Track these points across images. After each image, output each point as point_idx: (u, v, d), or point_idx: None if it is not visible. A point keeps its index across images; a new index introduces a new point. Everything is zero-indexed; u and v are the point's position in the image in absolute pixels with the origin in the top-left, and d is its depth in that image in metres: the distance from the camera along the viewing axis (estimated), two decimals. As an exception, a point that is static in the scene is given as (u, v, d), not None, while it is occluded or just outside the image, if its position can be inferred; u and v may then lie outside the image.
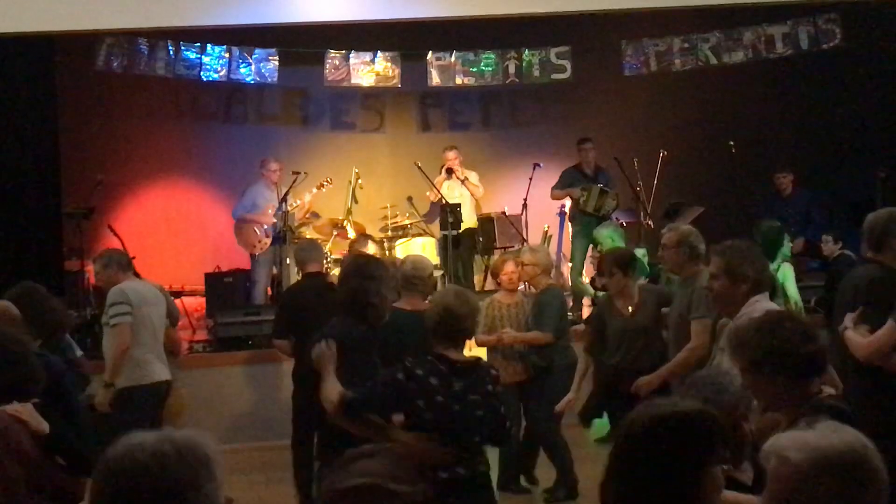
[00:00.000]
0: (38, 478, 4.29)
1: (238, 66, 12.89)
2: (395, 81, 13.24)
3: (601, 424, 9.75)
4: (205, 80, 13.01)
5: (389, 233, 12.55)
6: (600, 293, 9.74)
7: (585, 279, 11.87)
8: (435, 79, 13.33)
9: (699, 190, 13.19)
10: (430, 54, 13.24)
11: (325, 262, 8.56)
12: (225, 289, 12.40)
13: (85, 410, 5.09)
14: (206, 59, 12.80)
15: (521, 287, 8.92)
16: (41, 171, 12.39)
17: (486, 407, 4.69)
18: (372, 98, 14.59)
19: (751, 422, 3.60)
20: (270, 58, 12.92)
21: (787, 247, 9.35)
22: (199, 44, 12.79)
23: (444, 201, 12.32)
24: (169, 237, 13.80)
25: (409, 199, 12.85)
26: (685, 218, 12.23)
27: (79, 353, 8.81)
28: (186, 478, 2.19)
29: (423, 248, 12.07)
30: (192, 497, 2.18)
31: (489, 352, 8.26)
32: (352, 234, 12.37)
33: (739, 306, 4.79)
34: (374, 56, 13.17)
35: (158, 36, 12.52)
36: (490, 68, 13.33)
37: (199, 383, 10.49)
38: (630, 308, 7.30)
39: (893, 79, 13.26)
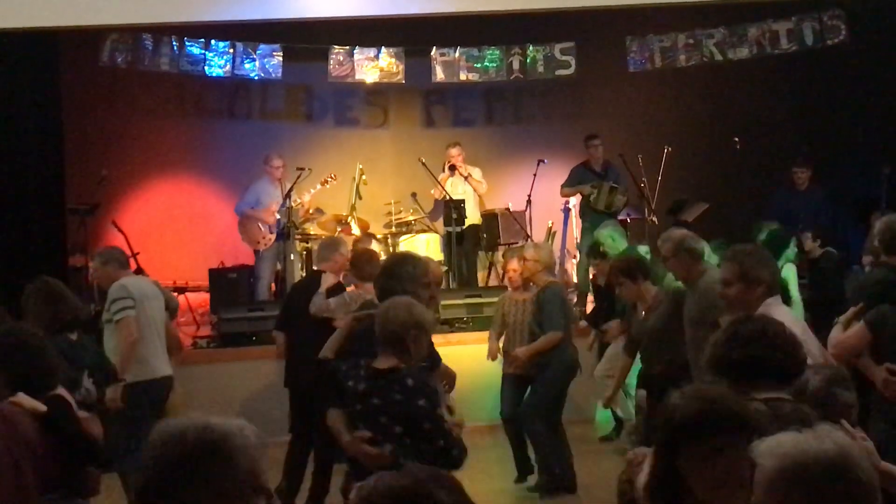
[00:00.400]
0: (46, 468, 4.30)
1: (242, 62, 12.89)
2: (398, 77, 13.22)
3: (604, 421, 9.77)
4: (209, 75, 13.01)
5: (393, 229, 12.54)
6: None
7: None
8: (439, 75, 13.31)
9: (703, 186, 13.19)
10: (434, 50, 13.22)
11: (337, 260, 8.52)
12: (229, 285, 12.40)
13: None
14: (210, 55, 12.80)
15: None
16: (45, 166, 12.38)
17: (390, 415, 4.66)
18: (376, 94, 14.57)
19: None
20: (275, 53, 12.91)
21: (791, 249, 9.35)
22: (203, 39, 12.78)
23: (447, 198, 12.32)
24: (173, 233, 13.79)
25: (414, 195, 12.84)
26: (690, 214, 12.26)
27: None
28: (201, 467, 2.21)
29: (427, 245, 12.07)
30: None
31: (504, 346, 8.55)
32: (356, 230, 12.36)
33: (754, 311, 4.69)
34: (378, 52, 13.14)
35: (163, 31, 12.51)
36: (494, 64, 13.30)
37: (202, 379, 10.50)
38: (643, 312, 7.32)
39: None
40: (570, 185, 12.60)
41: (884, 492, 2.27)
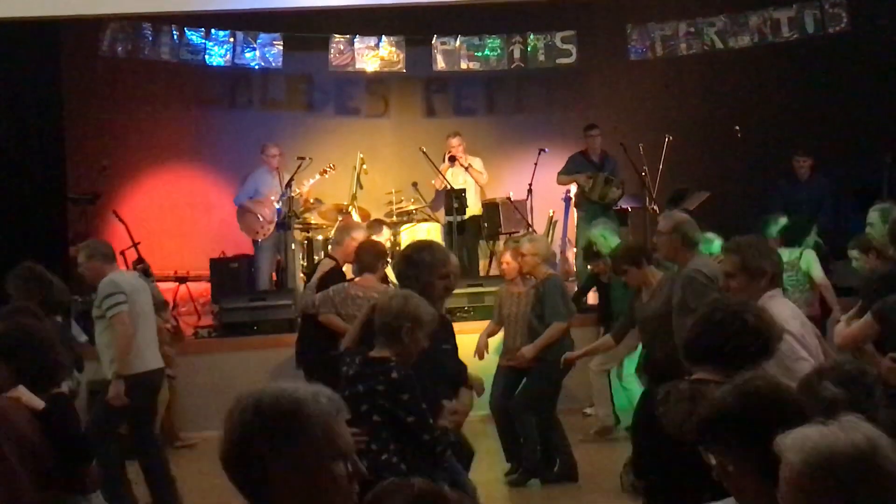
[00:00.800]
0: (42, 464, 4.30)
1: (242, 51, 12.87)
2: (399, 66, 13.20)
3: (622, 407, 9.66)
4: (209, 65, 12.99)
5: (395, 218, 12.53)
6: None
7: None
8: (440, 63, 13.29)
9: (704, 175, 13.17)
10: (434, 39, 13.19)
11: (348, 245, 8.54)
12: (230, 274, 12.40)
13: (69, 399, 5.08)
14: (210, 44, 12.79)
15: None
16: (46, 156, 12.39)
17: (371, 404, 4.67)
18: (377, 83, 14.54)
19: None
20: (275, 43, 12.89)
21: (812, 236, 9.38)
22: (203, 29, 12.77)
23: (448, 187, 12.31)
24: (174, 223, 13.79)
25: (415, 184, 12.83)
26: (690, 203, 12.24)
27: (83, 338, 8.85)
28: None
29: (428, 234, 12.05)
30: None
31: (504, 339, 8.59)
32: (357, 219, 12.34)
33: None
34: (379, 41, 13.13)
35: (163, 21, 12.49)
36: (495, 53, 13.28)
37: (204, 369, 10.53)
38: (648, 297, 7.30)
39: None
40: (567, 174, 12.58)
41: None
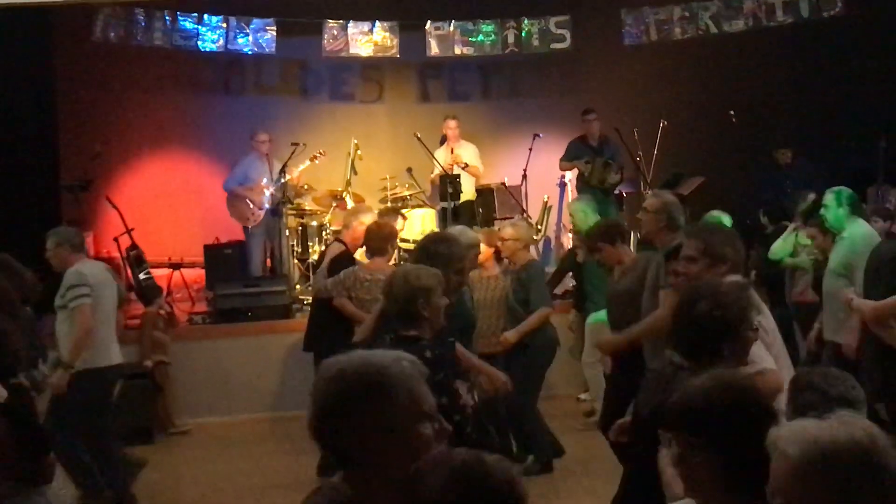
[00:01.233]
0: (2, 455, 4.28)
1: (236, 37, 12.83)
2: (393, 51, 13.17)
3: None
4: (202, 50, 12.95)
5: (389, 204, 12.50)
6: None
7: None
8: (434, 49, 13.26)
9: (699, 160, 13.16)
10: (428, 24, 13.16)
11: (356, 228, 8.56)
12: (224, 260, 12.39)
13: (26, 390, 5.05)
14: (203, 30, 12.74)
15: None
16: (39, 143, 12.35)
17: None
18: (371, 69, 14.51)
19: None
20: (268, 28, 12.85)
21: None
22: (196, 14, 12.73)
23: (443, 172, 12.28)
24: (168, 209, 13.76)
25: (409, 170, 12.79)
26: (685, 188, 12.24)
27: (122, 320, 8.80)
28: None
29: (422, 220, 12.05)
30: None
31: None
32: (351, 205, 12.31)
33: None
34: (373, 26, 13.09)
35: (155, 6, 12.44)
36: (489, 38, 13.25)
37: (198, 355, 10.52)
38: (619, 275, 7.21)
39: (894, 47, 13.18)
40: (567, 160, 12.59)
41: None
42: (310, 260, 12.11)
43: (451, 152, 12.80)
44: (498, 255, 8.54)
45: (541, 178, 13.01)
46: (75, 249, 7.63)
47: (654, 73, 14.13)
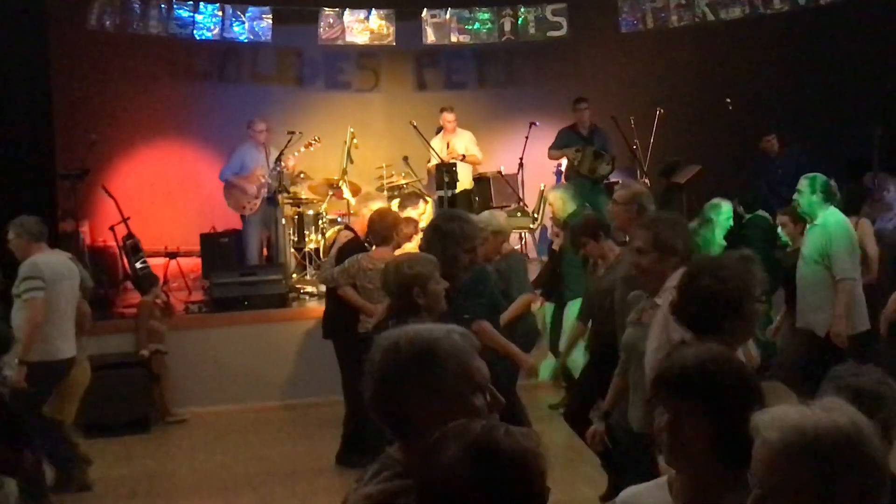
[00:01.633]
0: None
1: (231, 25, 12.80)
2: (389, 39, 13.14)
3: (546, 367, 9.60)
4: (198, 38, 12.91)
5: (385, 192, 12.49)
6: None
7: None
8: (430, 37, 13.24)
9: (696, 148, 13.15)
10: (424, 12, 13.14)
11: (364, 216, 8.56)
12: (220, 249, 12.39)
13: None
14: (198, 18, 12.71)
15: None
16: (35, 132, 12.27)
17: None
18: (367, 57, 14.49)
19: None
20: (264, 16, 12.82)
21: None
22: (191, 2, 12.69)
23: (440, 161, 12.27)
24: (164, 197, 13.75)
25: (405, 158, 12.78)
26: (681, 176, 12.24)
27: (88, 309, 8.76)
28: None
29: (420, 210, 12.01)
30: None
31: None
32: (347, 193, 12.30)
33: (667, 280, 4.62)
34: (369, 14, 13.07)
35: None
36: (485, 26, 13.24)
37: (194, 344, 10.52)
38: (602, 270, 7.19)
39: (891, 35, 13.17)
40: (556, 148, 12.54)
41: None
42: (306, 249, 12.10)
43: (448, 146, 12.77)
44: None
45: (537, 166, 13.00)
46: (34, 239, 7.59)
47: (650, 61, 14.12)
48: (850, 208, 9.11)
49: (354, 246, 8.37)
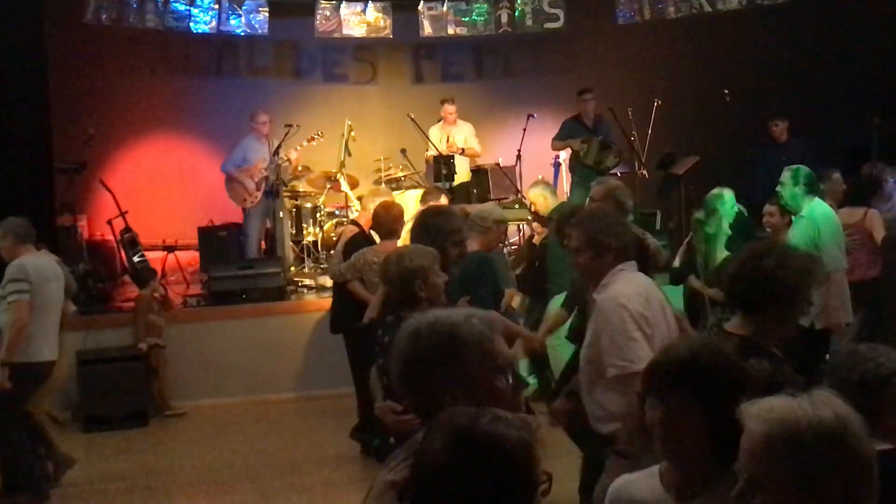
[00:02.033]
0: None
1: (228, 18, 12.76)
2: (386, 32, 13.13)
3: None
4: (195, 32, 12.89)
5: (383, 185, 12.47)
6: None
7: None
8: (427, 29, 13.22)
9: (694, 139, 13.11)
10: (421, 4, 13.12)
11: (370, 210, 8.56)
12: (218, 243, 12.37)
13: None
14: (195, 11, 12.68)
15: None
16: (32, 126, 12.26)
17: None
18: (364, 50, 14.46)
19: None
20: (260, 9, 12.78)
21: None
22: (188, -5, 12.67)
23: (438, 153, 12.26)
24: (162, 191, 13.73)
25: (403, 151, 12.77)
26: (679, 167, 12.23)
27: (72, 308, 8.78)
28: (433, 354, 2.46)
29: (417, 201, 12.00)
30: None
31: None
32: (345, 186, 12.29)
33: (605, 276, 4.65)
34: (366, 6, 13.05)
35: (147, -13, 12.38)
36: (482, 18, 13.21)
37: (192, 338, 10.51)
38: None
39: (889, 25, 13.16)
40: (561, 139, 12.53)
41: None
42: (304, 242, 12.10)
43: (448, 139, 12.76)
44: None
45: (535, 158, 12.98)
46: (20, 240, 7.56)
47: (647, 53, 14.11)
48: (857, 199, 9.11)
49: (360, 240, 8.38)
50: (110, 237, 12.13)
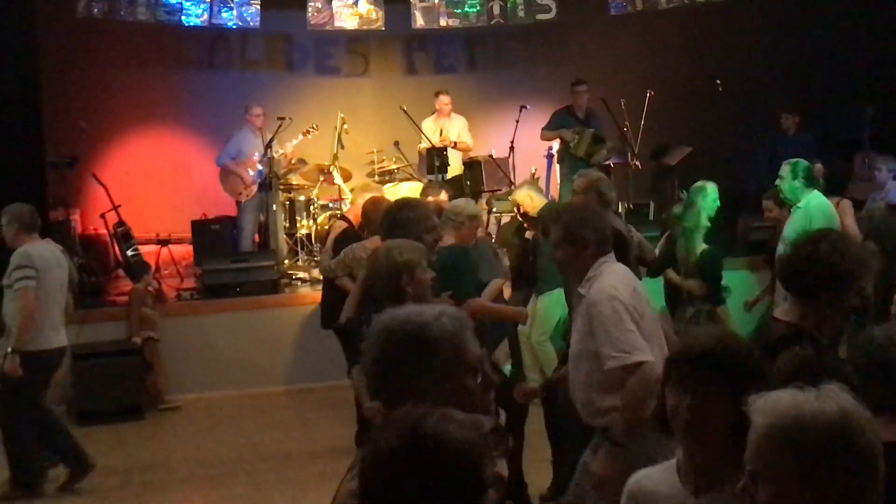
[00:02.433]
0: None
1: (219, 11, 12.75)
2: (378, 24, 13.11)
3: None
4: (186, 25, 12.87)
5: (376, 178, 12.48)
6: None
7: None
8: (419, 21, 13.21)
9: (686, 129, 13.13)
10: (413, -5, 13.11)
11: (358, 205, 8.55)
12: (212, 236, 12.36)
13: None
14: (186, 4, 12.67)
15: None
16: (24, 120, 12.23)
17: None
18: (357, 42, 14.44)
19: None
20: (252, 2, 12.77)
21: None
22: (179, -12, 12.64)
23: (431, 145, 12.24)
24: (154, 185, 13.71)
25: (396, 143, 12.76)
26: (672, 158, 12.23)
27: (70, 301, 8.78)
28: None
29: (410, 194, 12.00)
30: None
31: None
32: (338, 179, 12.28)
33: (587, 271, 4.64)
34: (357, -2, 13.04)
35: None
36: (474, 10, 13.21)
37: (186, 331, 10.51)
38: None
39: (881, 14, 13.16)
40: (551, 129, 12.50)
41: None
42: (298, 234, 12.09)
43: (441, 132, 12.74)
44: None
45: (528, 149, 12.97)
46: (24, 229, 7.56)
47: (640, 43, 14.09)
48: (833, 188, 9.20)
49: (349, 236, 8.37)
50: (103, 231, 12.12)
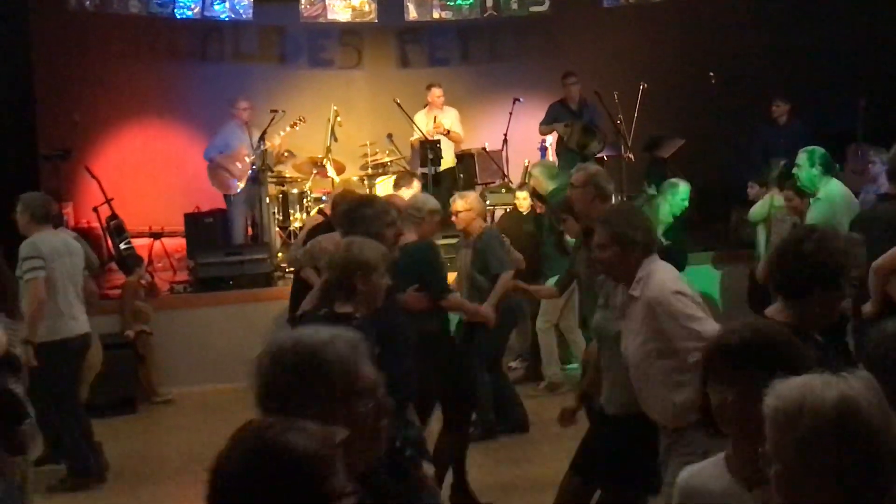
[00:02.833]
0: None
1: (212, 3, 12.75)
2: (371, 16, 13.12)
3: None
4: (179, 17, 12.85)
5: (370, 170, 12.47)
6: None
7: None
8: (412, 13, 13.21)
9: (680, 122, 13.14)
10: (406, -12, 13.10)
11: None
12: (205, 229, 12.32)
13: None
14: (179, -3, 12.66)
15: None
16: (16, 113, 12.23)
17: None
18: (350, 34, 14.42)
19: None
20: (244, -6, 12.77)
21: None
22: (171, -19, 12.63)
23: (424, 138, 12.23)
24: (147, 178, 13.69)
25: (389, 136, 12.74)
26: (665, 150, 12.23)
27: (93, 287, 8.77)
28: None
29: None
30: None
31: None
32: (331, 172, 12.27)
33: (634, 273, 4.64)
34: (350, -10, 13.03)
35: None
36: (468, 2, 13.23)
37: (180, 324, 10.51)
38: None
39: (874, 5, 13.16)
40: (547, 123, 12.52)
41: None
42: (291, 227, 12.08)
43: (434, 120, 12.74)
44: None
45: (522, 142, 12.96)
46: (35, 219, 7.52)
47: (633, 36, 14.08)
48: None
49: (324, 229, 8.35)
50: (96, 224, 12.09)
